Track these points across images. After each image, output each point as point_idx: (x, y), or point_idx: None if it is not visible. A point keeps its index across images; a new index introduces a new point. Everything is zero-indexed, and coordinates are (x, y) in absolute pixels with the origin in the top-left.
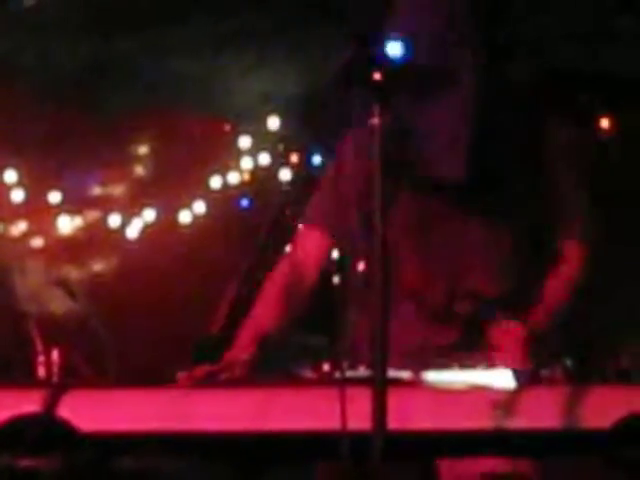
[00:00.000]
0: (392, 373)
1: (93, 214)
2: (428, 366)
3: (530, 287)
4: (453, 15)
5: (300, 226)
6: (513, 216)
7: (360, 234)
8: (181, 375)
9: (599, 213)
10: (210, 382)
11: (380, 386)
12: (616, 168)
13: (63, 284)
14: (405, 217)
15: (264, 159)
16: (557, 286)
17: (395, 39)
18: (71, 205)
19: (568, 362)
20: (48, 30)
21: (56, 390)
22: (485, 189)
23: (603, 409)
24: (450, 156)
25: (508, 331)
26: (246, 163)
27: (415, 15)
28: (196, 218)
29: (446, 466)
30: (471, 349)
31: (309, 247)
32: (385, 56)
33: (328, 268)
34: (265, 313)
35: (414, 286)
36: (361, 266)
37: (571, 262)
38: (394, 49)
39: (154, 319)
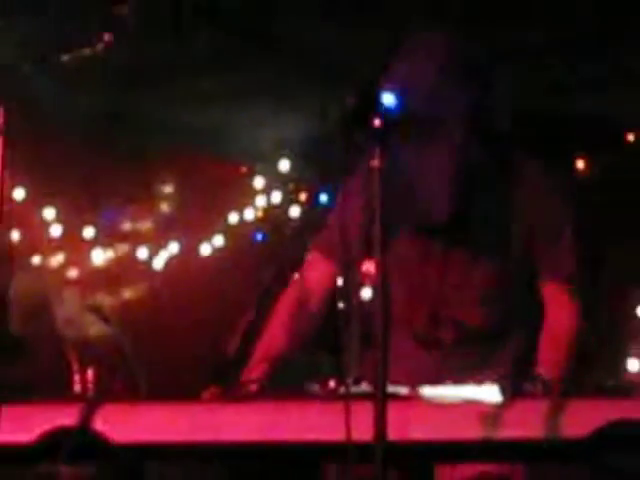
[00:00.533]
0: (391, 389)
1: (123, 247)
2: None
3: (514, 316)
4: (444, 73)
5: (308, 256)
6: (494, 254)
7: (361, 264)
8: (203, 393)
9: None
10: (228, 398)
11: (381, 401)
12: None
13: (97, 310)
14: (394, 252)
15: (276, 197)
16: (556, 338)
17: (390, 91)
18: (103, 239)
19: (547, 379)
20: (87, 85)
21: (91, 405)
22: (467, 229)
23: (581, 419)
24: (438, 201)
25: None
26: (260, 201)
27: (410, 71)
28: (215, 250)
29: (442, 471)
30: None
31: (316, 275)
32: (381, 106)
33: (333, 295)
34: (276, 335)
35: (402, 314)
36: (362, 294)
37: (559, 307)
38: (388, 100)
39: (178, 340)
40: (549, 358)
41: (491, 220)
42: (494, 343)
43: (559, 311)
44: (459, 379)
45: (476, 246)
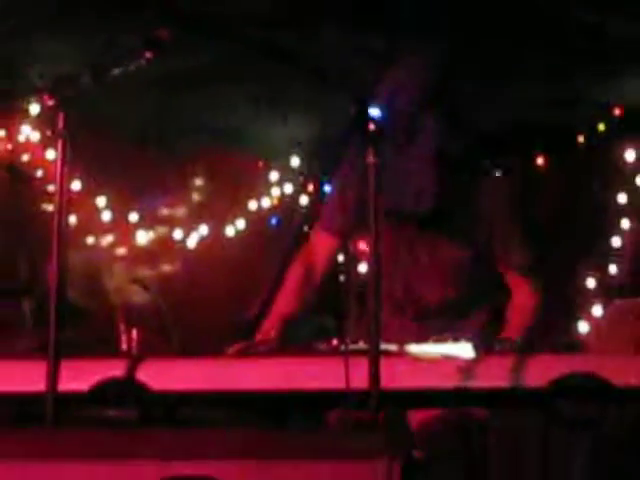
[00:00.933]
0: (383, 346)
1: (162, 229)
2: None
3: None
4: (421, 93)
5: (312, 233)
6: (457, 242)
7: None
8: (227, 349)
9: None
10: (248, 354)
11: (374, 356)
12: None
13: (140, 282)
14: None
15: (288, 188)
16: (518, 311)
17: (376, 105)
18: (146, 223)
19: (514, 339)
20: (133, 93)
21: (134, 359)
22: (437, 221)
23: (540, 372)
24: (420, 197)
25: None
26: (275, 191)
27: (394, 91)
28: (238, 232)
29: (417, 415)
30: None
31: (319, 248)
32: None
33: (335, 269)
34: (287, 301)
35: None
36: (359, 268)
37: (520, 291)
38: (375, 112)
39: (207, 306)
40: (514, 325)
41: (457, 215)
42: (456, 317)
43: (520, 291)
44: (437, 337)
45: (442, 233)
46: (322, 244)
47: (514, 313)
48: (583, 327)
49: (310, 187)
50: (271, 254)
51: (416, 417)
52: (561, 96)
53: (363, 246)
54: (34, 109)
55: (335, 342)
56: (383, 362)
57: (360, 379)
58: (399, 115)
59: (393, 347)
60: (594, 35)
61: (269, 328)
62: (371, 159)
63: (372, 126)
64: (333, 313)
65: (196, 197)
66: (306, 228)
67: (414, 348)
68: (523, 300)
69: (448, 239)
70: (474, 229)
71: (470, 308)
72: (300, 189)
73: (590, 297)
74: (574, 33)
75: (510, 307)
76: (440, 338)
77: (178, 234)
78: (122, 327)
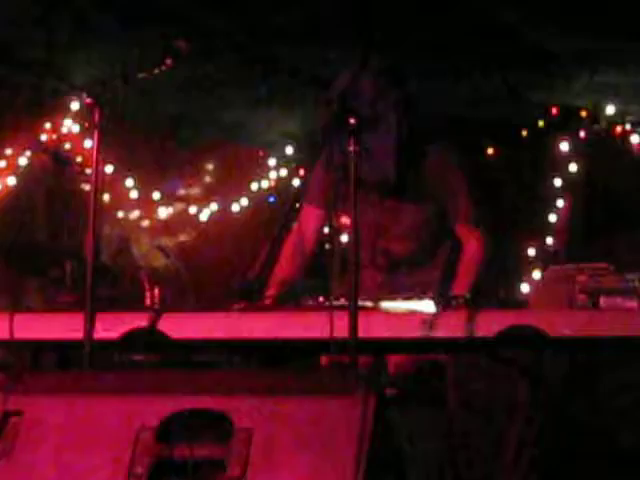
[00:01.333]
0: (360, 302)
1: (179, 206)
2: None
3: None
4: (381, 89)
5: (302, 206)
6: (415, 204)
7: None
8: (234, 306)
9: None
10: (251, 309)
11: (353, 311)
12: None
13: (161, 249)
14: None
15: (283, 172)
16: (467, 264)
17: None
18: (166, 200)
19: (468, 296)
20: (157, 93)
21: (157, 313)
22: (397, 188)
23: (489, 324)
24: (384, 167)
25: None
26: (272, 175)
27: (361, 87)
28: (242, 208)
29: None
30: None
31: (308, 220)
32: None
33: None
34: (284, 267)
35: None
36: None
37: (468, 242)
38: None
39: (216, 269)
40: (464, 281)
41: (413, 183)
42: (418, 268)
43: (468, 246)
44: (405, 295)
45: (402, 199)
46: (310, 216)
47: (464, 267)
48: (525, 288)
49: (301, 171)
50: (269, 226)
51: (389, 361)
52: (506, 96)
53: (345, 220)
54: (75, 106)
55: (321, 299)
56: (360, 316)
57: (342, 329)
58: (369, 103)
59: (369, 303)
60: (535, 49)
61: (270, 288)
62: (352, 147)
63: (352, 120)
64: (320, 275)
65: (207, 179)
66: (297, 205)
67: (386, 304)
68: (472, 252)
69: (408, 202)
70: (428, 191)
71: (430, 259)
72: (293, 173)
73: (531, 263)
74: (519, 49)
75: (461, 260)
76: (407, 296)
77: (193, 210)
78: (146, 286)
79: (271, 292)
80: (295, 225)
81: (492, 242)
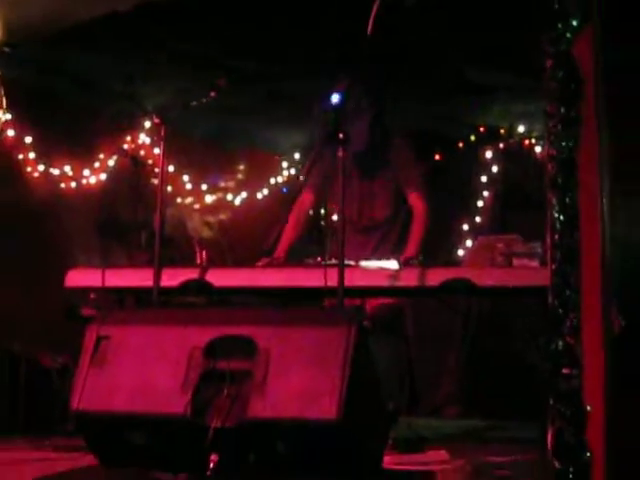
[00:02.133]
0: (346, 262)
1: (219, 194)
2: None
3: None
4: (361, 90)
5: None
6: (382, 180)
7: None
8: (257, 264)
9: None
10: (268, 266)
11: (341, 267)
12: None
13: (207, 224)
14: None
15: (292, 171)
16: (416, 228)
17: (336, 94)
18: (211, 190)
19: (421, 258)
20: (204, 115)
21: (204, 268)
22: (370, 168)
23: (435, 276)
24: (360, 142)
25: None
26: (285, 173)
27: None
28: (264, 196)
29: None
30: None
31: (305, 201)
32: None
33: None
34: (288, 235)
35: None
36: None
37: (417, 208)
38: (335, 99)
39: (245, 238)
40: (415, 244)
41: (381, 163)
42: (388, 229)
43: (417, 211)
44: (378, 255)
45: (375, 176)
46: (306, 198)
47: (415, 231)
48: (460, 252)
49: (305, 171)
50: (283, 209)
51: (367, 303)
52: (447, 117)
53: (332, 204)
54: (147, 124)
55: (319, 259)
56: (346, 271)
57: (333, 281)
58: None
59: (352, 262)
60: (468, 84)
61: (279, 251)
62: (340, 153)
63: (341, 135)
64: (318, 243)
65: (239, 176)
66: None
67: (364, 263)
68: (420, 215)
69: (379, 179)
70: (392, 171)
71: (396, 221)
72: (299, 172)
73: (464, 235)
74: (459, 83)
75: (413, 223)
76: (378, 257)
77: (229, 197)
78: (197, 250)
79: (281, 254)
80: (296, 205)
81: (432, 208)
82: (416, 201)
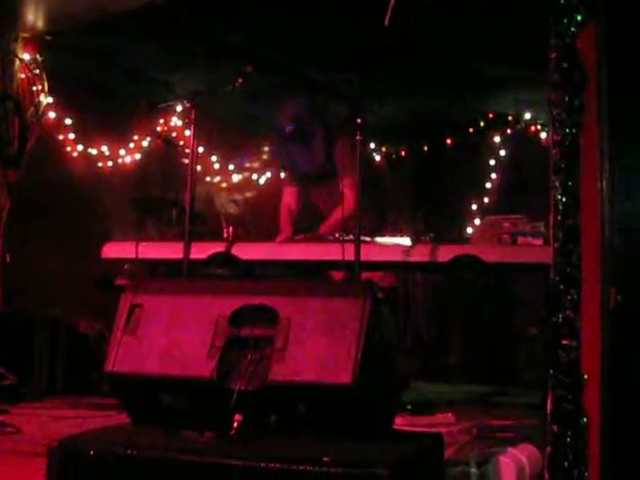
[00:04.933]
0: (362, 237)
1: (246, 174)
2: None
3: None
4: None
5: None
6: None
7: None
8: (277, 239)
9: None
10: (289, 241)
11: (357, 243)
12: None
13: (234, 201)
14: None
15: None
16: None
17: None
18: (237, 170)
19: (432, 235)
20: (232, 102)
21: (230, 242)
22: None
23: (445, 253)
24: (314, 166)
25: None
26: None
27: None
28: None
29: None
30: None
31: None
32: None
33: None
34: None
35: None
36: None
37: (347, 196)
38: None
39: (268, 215)
40: (334, 220)
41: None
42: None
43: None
44: (391, 234)
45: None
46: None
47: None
48: (469, 230)
49: None
50: None
51: (377, 276)
52: (459, 105)
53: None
54: (179, 108)
55: (337, 235)
56: (362, 246)
57: (349, 255)
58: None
59: (367, 238)
60: (479, 76)
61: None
62: (358, 137)
63: (359, 120)
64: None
65: (264, 157)
66: None
67: (379, 239)
68: (347, 199)
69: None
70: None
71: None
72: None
73: (474, 214)
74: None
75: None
76: (392, 234)
77: (254, 176)
78: (224, 225)
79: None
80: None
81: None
82: (347, 192)
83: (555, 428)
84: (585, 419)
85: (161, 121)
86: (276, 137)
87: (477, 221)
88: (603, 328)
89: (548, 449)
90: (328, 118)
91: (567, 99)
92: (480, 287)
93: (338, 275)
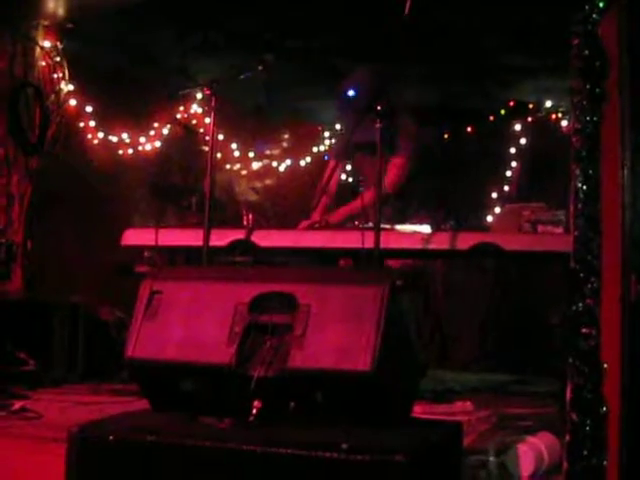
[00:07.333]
0: (382, 225)
1: (266, 161)
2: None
3: None
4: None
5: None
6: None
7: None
8: (300, 225)
9: None
10: (310, 228)
11: (377, 231)
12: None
13: (254, 189)
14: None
15: (333, 141)
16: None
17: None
18: (257, 157)
19: (452, 223)
20: (251, 90)
21: (250, 229)
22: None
23: (465, 241)
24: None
25: None
26: (326, 142)
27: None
28: (307, 163)
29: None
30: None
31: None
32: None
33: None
34: (324, 200)
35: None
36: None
37: (390, 174)
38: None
39: (289, 202)
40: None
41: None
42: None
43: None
44: (411, 221)
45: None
46: (331, 165)
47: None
48: (489, 218)
49: None
50: (323, 175)
51: (396, 263)
52: (480, 93)
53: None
54: (199, 95)
55: (357, 223)
56: (382, 234)
57: (369, 243)
58: (360, 97)
59: (388, 226)
60: (501, 65)
61: (317, 214)
62: (378, 124)
63: (379, 107)
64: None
65: (284, 144)
66: None
67: (398, 227)
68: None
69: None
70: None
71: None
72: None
73: (494, 202)
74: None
75: None
76: (412, 222)
77: (274, 164)
78: (243, 212)
79: (316, 217)
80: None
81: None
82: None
83: (574, 417)
84: (604, 408)
85: (181, 108)
86: (338, 102)
87: (497, 209)
88: (623, 317)
89: (567, 438)
90: (392, 94)
91: (588, 87)
92: (500, 275)
93: (344, 263)
